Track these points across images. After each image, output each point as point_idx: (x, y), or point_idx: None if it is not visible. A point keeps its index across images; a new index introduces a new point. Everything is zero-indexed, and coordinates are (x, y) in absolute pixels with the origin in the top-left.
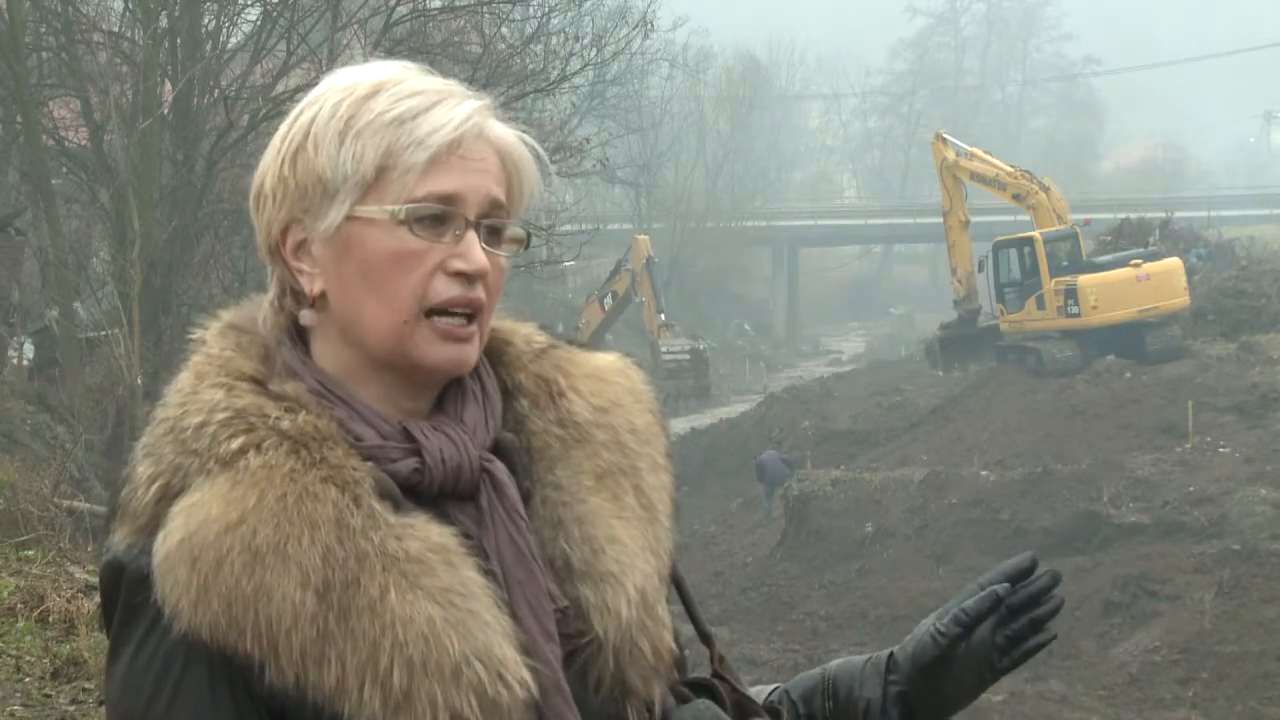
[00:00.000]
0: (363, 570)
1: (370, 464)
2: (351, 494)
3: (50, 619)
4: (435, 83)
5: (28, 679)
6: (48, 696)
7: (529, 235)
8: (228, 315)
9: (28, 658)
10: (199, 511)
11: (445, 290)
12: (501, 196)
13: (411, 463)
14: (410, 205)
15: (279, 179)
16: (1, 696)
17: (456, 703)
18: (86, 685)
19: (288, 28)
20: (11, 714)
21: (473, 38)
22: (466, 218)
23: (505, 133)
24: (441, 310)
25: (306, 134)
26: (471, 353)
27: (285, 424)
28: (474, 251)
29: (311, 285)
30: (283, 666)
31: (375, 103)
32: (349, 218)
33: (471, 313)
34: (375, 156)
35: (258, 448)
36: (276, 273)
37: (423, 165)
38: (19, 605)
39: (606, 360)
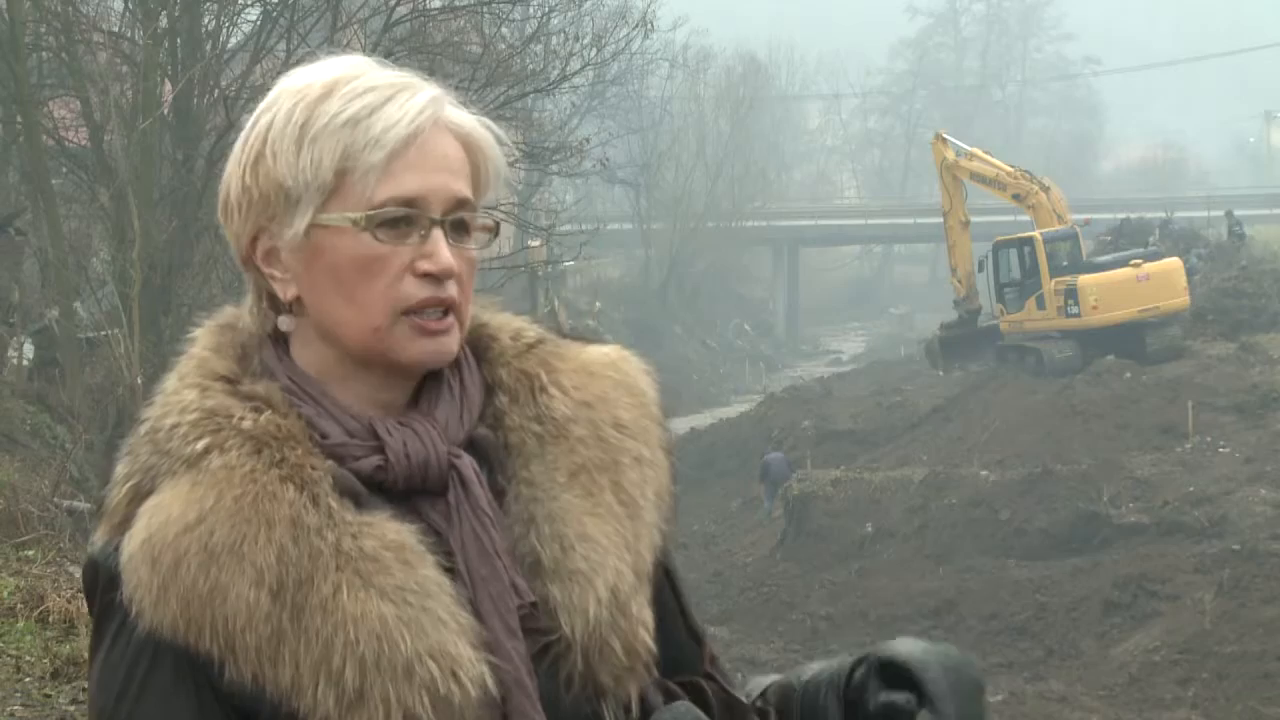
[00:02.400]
0: (316, 569)
1: (331, 462)
2: (310, 493)
3: (50, 619)
4: (389, 76)
5: (28, 679)
6: (48, 696)
7: (498, 224)
8: (221, 315)
9: (28, 658)
10: (161, 512)
11: (415, 292)
12: (466, 191)
13: (375, 460)
14: (371, 212)
15: (242, 189)
16: (1, 696)
17: (409, 700)
18: (86, 685)
19: (288, 28)
20: (11, 714)
21: (473, 38)
22: (431, 218)
23: (465, 119)
24: (414, 310)
25: (264, 141)
26: (451, 344)
27: (247, 424)
28: (441, 252)
29: (286, 291)
30: (240, 665)
31: (329, 104)
32: (313, 225)
33: (446, 308)
34: (333, 161)
35: (221, 448)
36: (252, 279)
37: (382, 165)
38: (19, 605)
39: (598, 353)
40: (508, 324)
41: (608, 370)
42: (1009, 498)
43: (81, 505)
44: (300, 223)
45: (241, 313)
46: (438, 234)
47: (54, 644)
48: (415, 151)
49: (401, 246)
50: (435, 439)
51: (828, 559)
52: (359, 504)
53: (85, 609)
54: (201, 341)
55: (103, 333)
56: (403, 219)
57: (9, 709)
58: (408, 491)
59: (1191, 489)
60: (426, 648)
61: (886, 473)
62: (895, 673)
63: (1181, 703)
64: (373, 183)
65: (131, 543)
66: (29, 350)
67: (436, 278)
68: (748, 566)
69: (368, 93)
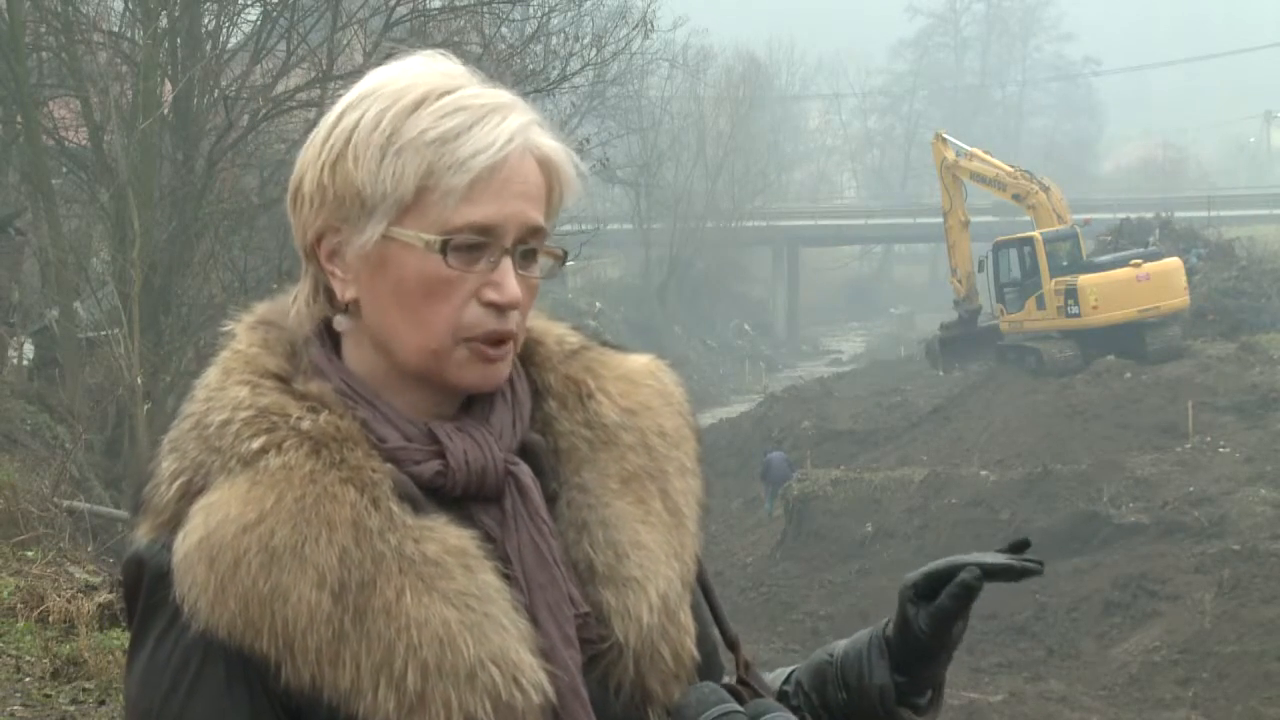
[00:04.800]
0: (379, 572)
1: (391, 466)
2: (370, 495)
3: (50, 619)
4: (483, 96)
5: (28, 679)
6: (48, 696)
7: (565, 253)
8: (260, 309)
9: (28, 658)
10: (218, 511)
11: (478, 322)
12: (540, 219)
13: (435, 465)
14: (446, 236)
15: (318, 185)
16: (1, 696)
17: (471, 706)
18: (86, 685)
19: (288, 28)
20: (11, 714)
21: (473, 38)
22: (504, 246)
23: (551, 145)
24: (474, 339)
25: (348, 142)
26: (504, 370)
27: (306, 424)
28: (508, 282)
29: (344, 291)
30: (298, 667)
31: (418, 119)
32: (385, 237)
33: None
34: (415, 177)
35: (278, 448)
36: (311, 270)
37: (463, 189)
38: (19, 605)
39: (638, 362)
40: (550, 329)
41: (648, 379)
42: (1009, 498)
43: (82, 505)
44: (372, 232)
45: (283, 308)
46: (507, 263)
47: (54, 644)
48: (499, 179)
49: (470, 272)
50: (493, 446)
51: (828, 559)
52: (416, 508)
53: (85, 609)
54: (245, 337)
55: (103, 333)
56: (476, 245)
57: (9, 709)
58: (462, 497)
59: (1191, 489)
60: (489, 653)
61: (886, 473)
62: (928, 589)
63: (1181, 703)
64: (451, 205)
65: (186, 541)
66: (29, 350)
67: (501, 308)
68: (748, 566)
69: (459, 112)
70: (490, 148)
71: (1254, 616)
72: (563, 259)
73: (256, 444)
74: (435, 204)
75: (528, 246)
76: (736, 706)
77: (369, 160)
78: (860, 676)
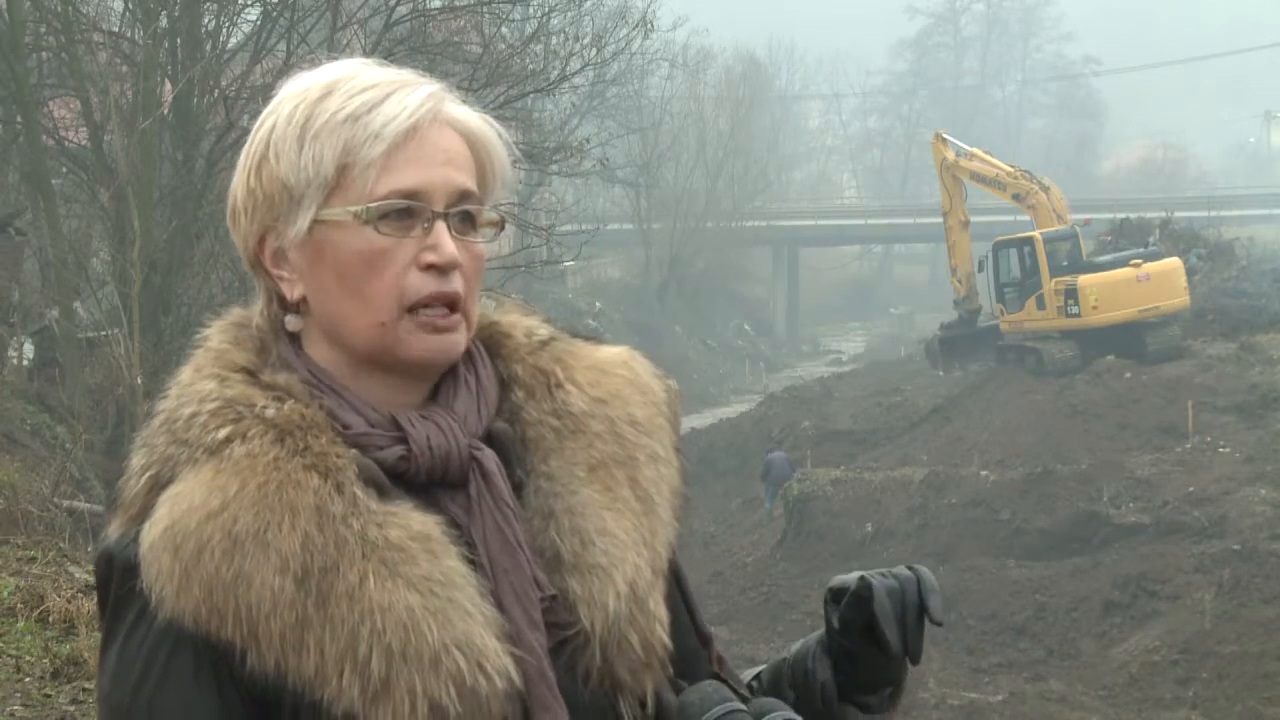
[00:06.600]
0: (342, 557)
1: (355, 452)
2: (334, 481)
3: (50, 619)
4: (388, 74)
5: (28, 679)
6: (48, 696)
7: (503, 219)
8: (234, 313)
9: (28, 658)
10: (183, 500)
11: (421, 286)
12: (470, 184)
13: (398, 450)
14: (372, 204)
15: (248, 192)
16: (1, 696)
17: (435, 691)
18: (86, 685)
19: (288, 28)
20: (11, 714)
21: (473, 38)
22: (434, 210)
23: (467, 114)
24: (420, 305)
25: (267, 144)
26: (458, 340)
27: (271, 412)
28: (444, 243)
29: (292, 291)
30: (263, 653)
31: (329, 102)
32: (316, 221)
33: (451, 304)
34: (334, 156)
35: (243, 436)
36: (261, 283)
37: (381, 159)
38: (19, 605)
39: (610, 352)
40: (519, 322)
41: (619, 369)
42: (1009, 498)
43: (82, 505)
44: (304, 220)
45: (252, 313)
46: (440, 226)
47: (54, 644)
48: (415, 145)
49: (405, 240)
50: (456, 431)
51: (828, 559)
52: (382, 494)
53: (85, 609)
54: (217, 336)
55: (103, 333)
56: (405, 211)
57: (9, 709)
58: (427, 483)
59: (1191, 489)
60: (453, 638)
61: (886, 473)
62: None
63: (1181, 703)
64: (373, 176)
65: (152, 531)
66: (29, 350)
67: (441, 270)
68: (748, 566)
69: (367, 90)
70: (401, 114)
71: (1254, 616)
72: (501, 224)
73: (222, 434)
74: (358, 179)
75: (462, 211)
76: (740, 705)
77: (289, 152)
78: (806, 674)
